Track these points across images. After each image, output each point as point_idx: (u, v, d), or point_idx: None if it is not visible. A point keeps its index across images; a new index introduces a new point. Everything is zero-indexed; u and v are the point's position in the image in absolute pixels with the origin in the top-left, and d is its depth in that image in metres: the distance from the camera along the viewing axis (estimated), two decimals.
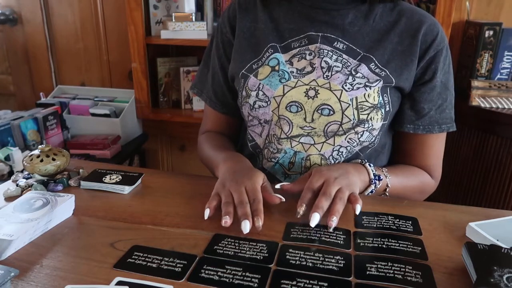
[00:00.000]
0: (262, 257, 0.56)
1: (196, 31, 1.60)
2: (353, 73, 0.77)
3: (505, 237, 0.58)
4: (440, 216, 0.69)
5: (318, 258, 0.56)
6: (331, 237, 0.61)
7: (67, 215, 0.67)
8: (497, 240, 0.58)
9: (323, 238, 0.61)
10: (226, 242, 0.59)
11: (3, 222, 0.59)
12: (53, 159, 0.78)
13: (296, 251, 0.57)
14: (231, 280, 0.51)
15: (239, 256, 0.56)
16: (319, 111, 0.77)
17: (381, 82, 0.77)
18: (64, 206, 0.65)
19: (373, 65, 0.78)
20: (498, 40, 1.43)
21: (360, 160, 0.80)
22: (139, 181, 0.79)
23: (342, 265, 0.55)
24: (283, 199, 0.68)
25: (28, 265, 0.54)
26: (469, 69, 1.50)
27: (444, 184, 1.06)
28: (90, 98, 1.81)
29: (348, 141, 0.79)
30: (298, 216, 0.64)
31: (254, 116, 0.83)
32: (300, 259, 0.56)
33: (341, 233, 0.62)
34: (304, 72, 0.79)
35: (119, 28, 1.84)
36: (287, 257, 0.56)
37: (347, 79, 0.77)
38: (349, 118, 0.77)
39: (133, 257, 0.56)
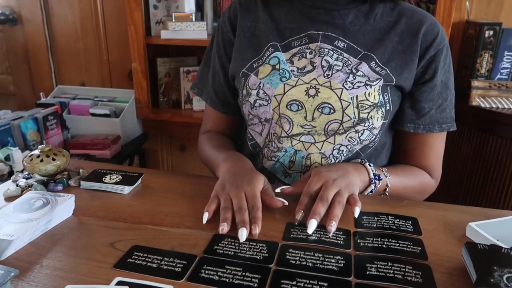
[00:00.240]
0: (262, 257, 0.56)
1: (196, 31, 1.60)
2: (354, 71, 0.77)
3: (505, 237, 0.58)
4: (440, 216, 0.69)
5: (318, 258, 0.56)
6: (331, 237, 0.61)
7: (67, 215, 0.67)
8: (497, 240, 0.58)
9: (323, 238, 0.61)
10: (226, 242, 0.59)
11: (3, 222, 0.59)
12: (53, 159, 0.78)
13: (296, 251, 0.57)
14: (231, 280, 0.51)
15: (239, 256, 0.56)
16: (320, 110, 0.77)
17: (382, 80, 0.77)
18: (64, 206, 0.65)
19: (373, 63, 0.78)
20: (498, 40, 1.43)
21: (360, 160, 0.80)
22: (139, 181, 0.79)
23: (342, 265, 0.55)
24: (286, 203, 0.68)
25: (28, 265, 0.54)
26: (469, 69, 1.50)
27: (444, 184, 1.06)
28: (90, 98, 1.81)
29: (348, 140, 0.79)
30: (296, 223, 0.64)
31: (255, 115, 0.83)
32: (300, 259, 0.56)
33: (341, 233, 0.62)
34: (304, 71, 0.79)
35: (119, 28, 1.84)
36: (287, 257, 0.56)
37: (348, 77, 0.77)
38: (349, 117, 0.77)
39: (133, 257, 0.56)
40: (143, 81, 1.69)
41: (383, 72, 0.78)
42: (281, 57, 0.81)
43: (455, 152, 1.53)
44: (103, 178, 0.77)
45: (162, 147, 2.02)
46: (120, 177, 0.78)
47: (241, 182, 0.68)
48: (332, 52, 0.79)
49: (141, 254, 0.56)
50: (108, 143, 1.61)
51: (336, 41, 0.80)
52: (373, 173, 0.76)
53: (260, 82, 0.80)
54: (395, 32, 0.80)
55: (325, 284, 0.51)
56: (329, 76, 0.78)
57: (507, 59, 1.45)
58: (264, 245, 0.59)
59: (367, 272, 0.53)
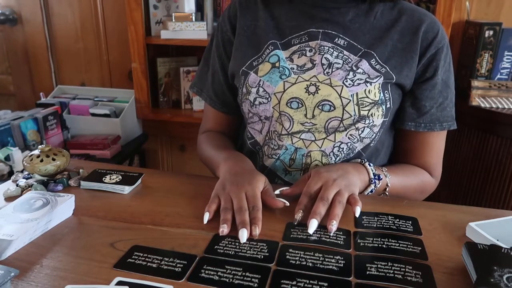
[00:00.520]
0: (262, 257, 0.56)
1: (196, 31, 1.60)
2: (354, 68, 0.77)
3: (505, 237, 0.58)
4: (440, 216, 0.68)
5: (318, 258, 0.56)
6: (331, 237, 0.61)
7: (67, 215, 0.67)
8: (497, 240, 0.58)
9: (323, 238, 0.61)
10: (226, 242, 0.59)
11: (3, 222, 0.59)
12: (53, 159, 0.78)
13: (296, 251, 0.57)
14: (231, 280, 0.51)
15: (239, 256, 0.56)
16: (320, 107, 0.78)
17: (382, 78, 0.77)
18: (64, 206, 0.65)
19: (373, 61, 0.78)
20: (498, 40, 1.43)
21: (360, 160, 0.80)
22: (139, 181, 0.79)
23: (342, 265, 0.55)
24: (287, 203, 0.68)
25: (28, 265, 0.54)
26: (469, 69, 1.50)
27: (444, 184, 1.06)
28: (90, 98, 1.81)
29: (349, 137, 0.79)
30: (296, 223, 0.64)
31: (255, 113, 0.83)
32: (300, 259, 0.56)
33: (341, 233, 0.62)
34: (304, 68, 0.79)
35: (119, 28, 1.84)
36: (287, 257, 0.56)
37: (348, 75, 0.77)
38: (349, 114, 0.77)
39: (133, 257, 0.56)
40: (143, 81, 1.69)
41: (383, 70, 0.78)
42: (280, 55, 0.81)
43: (455, 152, 1.53)
44: (103, 178, 0.77)
45: (162, 147, 2.02)
46: (120, 177, 0.78)
47: (242, 182, 0.68)
48: (332, 50, 0.79)
49: (141, 254, 0.56)
50: (108, 143, 1.61)
51: (337, 39, 0.80)
52: (373, 173, 0.76)
53: (260, 80, 0.80)
54: (395, 30, 0.80)
55: (325, 284, 0.51)
56: (329, 73, 0.78)
57: (507, 59, 1.45)
58: (264, 245, 0.59)
59: (367, 272, 0.53)
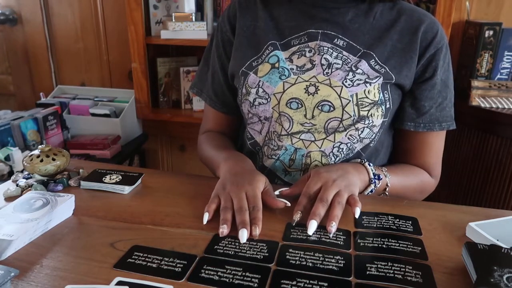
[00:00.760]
0: (262, 257, 0.56)
1: (196, 31, 1.60)
2: (353, 69, 0.77)
3: (505, 237, 0.58)
4: (440, 216, 0.69)
5: (318, 258, 0.56)
6: (331, 237, 0.61)
7: (67, 215, 0.67)
8: (497, 240, 0.58)
9: (323, 239, 0.61)
10: (226, 242, 0.59)
11: (3, 222, 0.59)
12: (53, 159, 0.78)
13: (296, 251, 0.57)
14: (231, 280, 0.51)
15: (239, 256, 0.56)
16: (319, 108, 0.78)
17: (381, 78, 0.77)
18: (64, 206, 0.65)
19: (373, 61, 0.78)
20: (498, 40, 1.43)
21: (359, 160, 0.80)
22: (139, 181, 0.79)
23: (342, 265, 0.55)
24: (288, 204, 0.68)
25: (28, 265, 0.54)
26: (469, 69, 1.50)
27: (444, 184, 1.06)
28: (90, 98, 1.81)
29: (348, 138, 0.79)
30: (294, 224, 0.64)
31: (254, 113, 0.83)
32: (300, 259, 0.56)
33: (341, 233, 0.62)
34: (304, 69, 0.79)
35: (119, 28, 1.84)
36: (287, 257, 0.56)
37: (347, 75, 0.77)
38: (349, 114, 0.77)
39: (133, 257, 0.56)
40: (143, 81, 1.69)
41: (382, 70, 0.78)
42: (280, 56, 0.81)
43: (455, 152, 1.53)
44: (103, 178, 0.77)
45: (162, 147, 2.02)
46: (120, 177, 0.78)
47: (242, 182, 0.68)
48: (331, 50, 0.79)
49: (141, 254, 0.56)
50: (108, 143, 1.61)
51: (336, 39, 0.80)
52: (373, 173, 0.76)
53: (260, 80, 0.80)
54: (394, 30, 0.80)
55: (325, 284, 0.51)
56: (328, 74, 0.78)
57: (507, 59, 1.45)
58: (264, 245, 0.59)
59: (367, 272, 0.53)
